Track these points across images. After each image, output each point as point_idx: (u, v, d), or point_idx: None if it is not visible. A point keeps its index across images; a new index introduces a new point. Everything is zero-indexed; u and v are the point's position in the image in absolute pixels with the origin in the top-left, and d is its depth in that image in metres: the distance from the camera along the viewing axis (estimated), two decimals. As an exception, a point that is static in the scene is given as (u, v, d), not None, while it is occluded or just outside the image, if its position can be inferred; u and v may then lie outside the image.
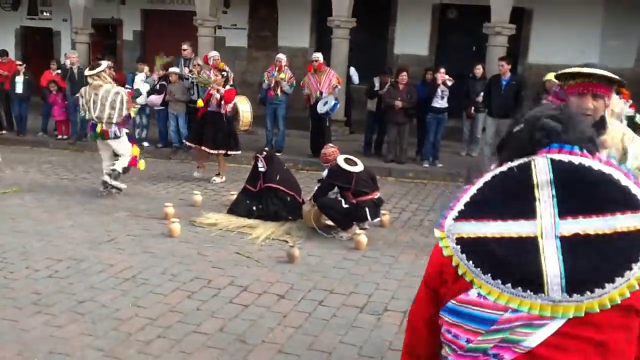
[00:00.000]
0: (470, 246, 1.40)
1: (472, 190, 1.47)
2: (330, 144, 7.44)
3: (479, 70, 11.13)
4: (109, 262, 5.60)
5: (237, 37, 15.97)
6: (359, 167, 6.78)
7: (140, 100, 11.31)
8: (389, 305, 4.87)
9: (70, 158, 11.12)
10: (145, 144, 11.62)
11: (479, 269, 1.37)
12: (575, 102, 2.78)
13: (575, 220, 1.33)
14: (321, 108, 10.56)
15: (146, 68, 11.70)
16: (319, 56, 10.97)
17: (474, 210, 1.43)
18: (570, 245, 1.32)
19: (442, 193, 8.21)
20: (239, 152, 9.61)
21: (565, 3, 13.27)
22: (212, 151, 9.22)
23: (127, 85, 11.46)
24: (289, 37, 15.40)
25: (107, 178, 8.10)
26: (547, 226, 1.34)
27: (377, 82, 11.08)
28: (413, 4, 14.46)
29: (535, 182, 1.39)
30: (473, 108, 11.13)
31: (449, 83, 10.40)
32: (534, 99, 9.56)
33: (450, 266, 1.45)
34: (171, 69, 11.31)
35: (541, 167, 1.39)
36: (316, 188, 6.97)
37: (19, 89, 12.46)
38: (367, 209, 6.62)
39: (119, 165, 8.14)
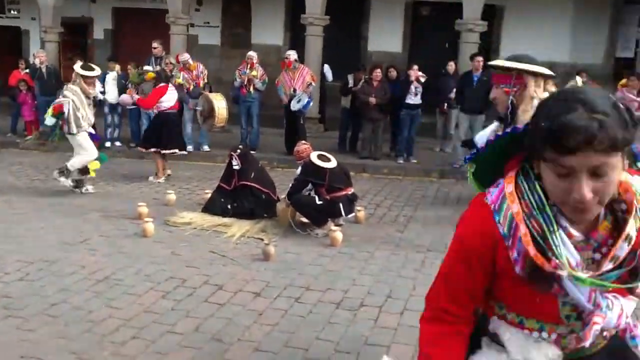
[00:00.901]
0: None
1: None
2: (303, 141, 7.44)
3: (451, 66, 11.24)
4: (82, 264, 5.52)
5: (210, 35, 15.87)
6: (333, 163, 6.80)
7: (112, 99, 11.19)
8: (364, 300, 4.89)
9: (41, 159, 10.92)
10: (118, 143, 11.48)
11: None
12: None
13: None
14: (294, 105, 10.57)
15: (117, 67, 11.55)
16: (291, 53, 10.97)
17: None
18: None
19: None
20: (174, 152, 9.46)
21: (535, 0, 13.46)
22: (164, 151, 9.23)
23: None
24: (263, 34, 15.35)
25: (54, 173, 8.13)
26: None
27: (351, 79, 11.11)
28: (386, 2, 14.53)
29: None
30: (446, 104, 11.23)
31: (422, 80, 10.47)
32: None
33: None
34: (144, 68, 11.18)
35: None
36: (290, 185, 6.97)
37: (-15, 89, 12.22)
38: (341, 205, 6.63)
39: (71, 164, 8.13)
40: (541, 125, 1.35)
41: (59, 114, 8.01)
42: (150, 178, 9.26)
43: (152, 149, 9.19)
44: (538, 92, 3.25)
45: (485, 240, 1.51)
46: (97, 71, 8.28)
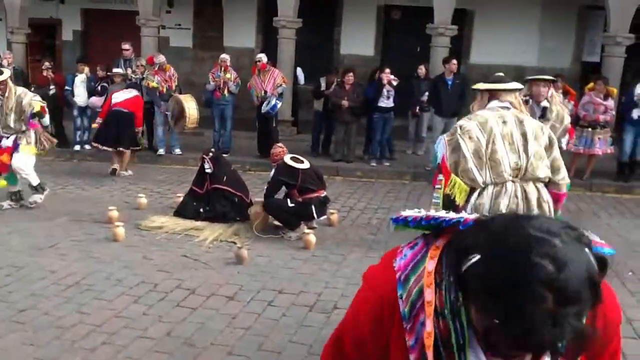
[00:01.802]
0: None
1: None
2: (279, 144, 7.44)
3: (421, 70, 11.35)
4: (51, 269, 5.43)
5: (182, 37, 15.74)
6: (306, 165, 6.84)
7: (81, 101, 11.03)
8: (338, 303, 4.90)
9: (7, 162, 10.69)
10: (87, 146, 11.31)
11: None
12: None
13: None
14: (264, 107, 10.59)
15: (86, 69, 11.38)
16: (262, 57, 10.97)
17: None
18: None
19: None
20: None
21: (504, 5, 13.69)
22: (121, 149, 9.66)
23: (66, 87, 11.15)
24: (235, 37, 15.30)
25: (39, 197, 7.57)
26: None
27: (323, 82, 11.14)
28: (358, 5, 14.61)
29: None
30: (418, 107, 11.33)
31: (394, 83, 10.55)
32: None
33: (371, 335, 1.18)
34: (114, 70, 11.05)
35: None
36: (266, 188, 6.94)
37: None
38: (313, 207, 6.65)
39: (33, 179, 7.54)
40: (480, 292, 0.97)
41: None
42: (122, 173, 9.63)
43: (106, 148, 9.63)
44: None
45: (378, 313, 1.21)
46: (5, 74, 7.42)
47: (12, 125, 7.35)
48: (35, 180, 7.58)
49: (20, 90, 7.54)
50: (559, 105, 6.24)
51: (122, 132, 9.65)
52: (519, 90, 4.09)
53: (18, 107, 7.32)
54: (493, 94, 3.85)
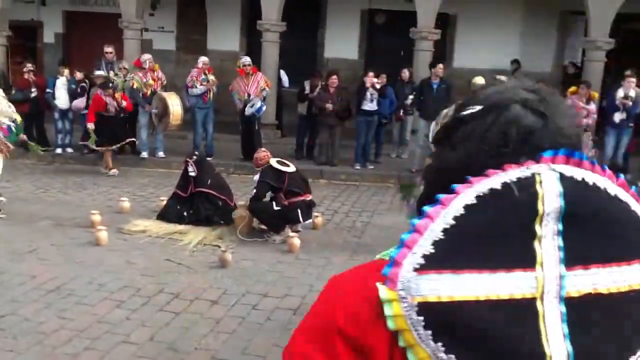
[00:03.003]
0: (440, 317, 0.85)
1: (444, 216, 0.89)
2: (263, 149, 7.42)
3: (405, 73, 11.41)
4: (31, 274, 5.35)
5: (165, 40, 15.66)
6: (291, 168, 6.84)
7: (63, 104, 10.92)
8: (322, 306, 4.89)
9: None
10: (69, 149, 11.19)
11: (452, 355, 0.84)
12: None
13: (586, 271, 0.90)
14: (248, 110, 10.57)
15: (66, 71, 11.27)
16: (247, 60, 10.96)
17: (449, 255, 0.87)
18: (580, 312, 0.89)
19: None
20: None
21: (486, 9, 13.80)
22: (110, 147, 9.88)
23: (48, 90, 11.03)
24: (219, 40, 15.26)
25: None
26: (550, 282, 0.88)
27: (307, 85, 11.14)
28: (342, 9, 14.65)
29: (541, 210, 0.88)
30: (402, 111, 11.38)
31: (378, 86, 10.58)
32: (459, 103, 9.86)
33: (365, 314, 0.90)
34: (96, 72, 10.96)
35: (550, 187, 0.89)
36: (253, 192, 6.89)
37: None
38: (299, 211, 6.64)
39: None
40: None
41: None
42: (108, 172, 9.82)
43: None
44: None
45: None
46: None
47: None
48: None
49: None
50: None
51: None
52: None
53: None
54: None
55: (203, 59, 11.14)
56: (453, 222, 0.88)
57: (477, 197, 0.89)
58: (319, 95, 10.64)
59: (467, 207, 0.89)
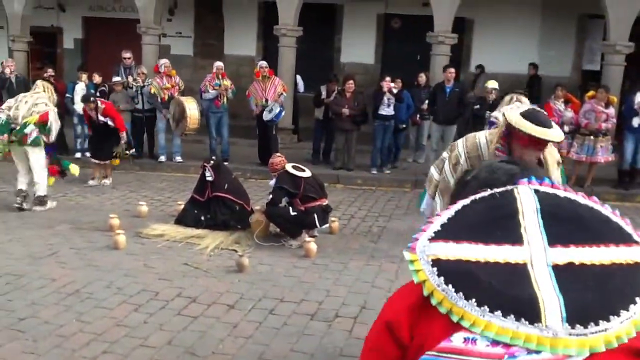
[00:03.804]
0: (449, 268, 1.17)
1: (449, 212, 1.28)
2: (278, 154, 7.43)
3: (422, 78, 11.38)
4: (51, 277, 5.41)
5: (183, 45, 15.78)
6: (307, 174, 6.83)
7: (81, 109, 11.02)
8: (339, 311, 4.89)
9: (8, 170, 10.65)
10: (88, 154, 11.29)
11: (460, 293, 1.13)
12: (520, 151, 3.22)
13: (567, 249, 1.16)
14: (266, 115, 10.57)
15: (84, 76, 11.40)
16: (265, 64, 11.01)
17: (452, 232, 1.23)
18: (566, 274, 1.13)
19: None
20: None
21: (504, 14, 13.73)
22: (100, 162, 9.61)
23: (67, 95, 11.15)
24: (235, 45, 15.34)
25: (37, 208, 7.83)
26: (537, 253, 1.16)
27: (324, 90, 11.15)
28: (358, 14, 14.66)
29: (520, 209, 1.22)
30: (418, 115, 11.35)
31: (395, 90, 10.56)
32: (476, 107, 9.81)
33: (421, 308, 1.21)
34: (114, 78, 11.07)
35: (526, 195, 1.25)
36: (270, 198, 6.89)
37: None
38: (315, 215, 6.64)
39: (41, 189, 7.88)
40: None
41: (42, 124, 7.73)
42: (105, 181, 9.56)
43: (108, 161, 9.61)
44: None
45: None
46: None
47: None
48: (45, 190, 8.05)
49: None
50: None
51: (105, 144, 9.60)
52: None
53: None
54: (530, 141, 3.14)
55: (217, 64, 11.21)
56: (454, 213, 1.27)
57: (471, 200, 1.29)
58: (336, 100, 10.64)
59: (464, 206, 1.29)
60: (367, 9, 14.58)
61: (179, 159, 11.11)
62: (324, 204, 6.87)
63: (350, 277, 5.71)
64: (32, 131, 7.67)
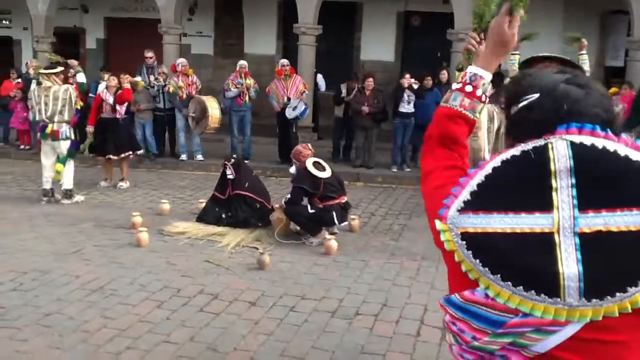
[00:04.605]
0: (477, 242, 1.23)
1: (479, 176, 1.26)
2: (309, 145, 7.30)
3: (443, 75, 11.31)
4: (76, 274, 5.49)
5: (203, 45, 15.89)
6: (327, 173, 6.80)
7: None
8: (360, 309, 4.89)
9: (33, 169, 10.84)
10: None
11: (487, 268, 1.21)
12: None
13: (598, 214, 1.17)
14: (290, 113, 10.60)
15: (106, 76, 11.50)
16: (287, 62, 11.05)
17: (482, 201, 1.24)
18: (591, 244, 1.16)
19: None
20: (141, 152, 9.85)
21: (525, 11, 13.58)
22: (115, 157, 9.29)
23: (90, 94, 11.29)
24: (255, 44, 15.40)
25: (65, 201, 8.10)
26: (565, 221, 1.18)
27: (343, 88, 11.15)
28: (378, 11, 14.62)
29: (553, 168, 1.20)
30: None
31: (415, 87, 10.53)
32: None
33: None
34: (135, 78, 11.17)
35: (560, 151, 1.20)
36: (288, 195, 6.90)
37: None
38: (334, 213, 6.64)
39: (67, 183, 8.14)
40: None
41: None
42: (121, 184, 9.36)
43: (124, 155, 9.39)
44: None
45: None
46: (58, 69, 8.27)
47: None
48: (71, 183, 8.31)
49: None
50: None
51: (116, 139, 9.41)
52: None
53: None
54: None
55: (240, 63, 11.28)
56: (484, 179, 1.25)
57: (502, 161, 1.25)
58: (356, 97, 10.64)
59: (494, 169, 1.25)
60: (387, 7, 14.54)
61: (200, 157, 11.20)
62: (343, 201, 6.87)
63: (370, 275, 5.71)
64: (63, 127, 7.97)
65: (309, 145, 7.30)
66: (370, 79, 10.59)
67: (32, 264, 5.70)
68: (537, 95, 1.30)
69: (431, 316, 4.70)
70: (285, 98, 10.79)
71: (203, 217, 7.25)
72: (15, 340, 4.19)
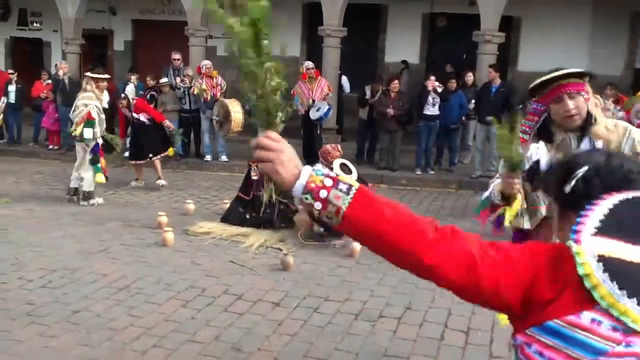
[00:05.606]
0: (613, 266, 1.26)
1: (600, 208, 1.33)
2: (338, 146, 7.31)
3: (469, 77, 11.24)
4: (103, 272, 5.58)
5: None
6: (354, 176, 6.78)
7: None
8: (383, 311, 4.88)
9: (61, 168, 11.04)
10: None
11: (623, 291, 1.23)
12: (555, 109, 2.74)
13: None
14: (314, 114, 10.62)
15: (133, 78, 11.70)
16: (312, 65, 11.07)
17: (611, 230, 1.30)
18: None
19: None
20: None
21: (553, 11, 13.43)
22: (137, 162, 9.45)
23: (123, 94, 11.46)
24: (280, 46, 15.45)
25: (82, 203, 8.19)
26: None
27: (368, 90, 11.15)
28: (403, 13, 14.57)
29: None
30: (464, 115, 11.22)
31: (439, 90, 10.48)
32: (520, 106, 9.64)
33: (546, 276, 1.32)
34: (162, 80, 11.31)
35: None
36: None
37: (12, 98, 12.41)
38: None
39: (86, 185, 8.19)
40: None
41: (88, 122, 7.98)
42: (160, 182, 9.43)
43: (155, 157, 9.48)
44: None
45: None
46: (106, 75, 8.39)
47: None
48: (91, 186, 8.32)
49: None
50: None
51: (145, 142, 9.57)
52: None
53: None
54: None
55: (204, 62, 11.33)
56: (608, 211, 1.31)
57: (620, 200, 1.33)
58: (380, 100, 10.63)
59: (615, 204, 1.32)
60: (412, 9, 14.48)
61: (224, 158, 11.29)
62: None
63: (394, 278, 5.69)
64: (84, 130, 8.03)
65: (339, 146, 7.30)
66: (396, 82, 10.58)
67: (61, 262, 5.81)
68: (586, 168, 1.41)
69: (455, 320, 4.67)
70: (310, 100, 10.81)
71: (227, 218, 7.31)
72: (45, 336, 4.27)
